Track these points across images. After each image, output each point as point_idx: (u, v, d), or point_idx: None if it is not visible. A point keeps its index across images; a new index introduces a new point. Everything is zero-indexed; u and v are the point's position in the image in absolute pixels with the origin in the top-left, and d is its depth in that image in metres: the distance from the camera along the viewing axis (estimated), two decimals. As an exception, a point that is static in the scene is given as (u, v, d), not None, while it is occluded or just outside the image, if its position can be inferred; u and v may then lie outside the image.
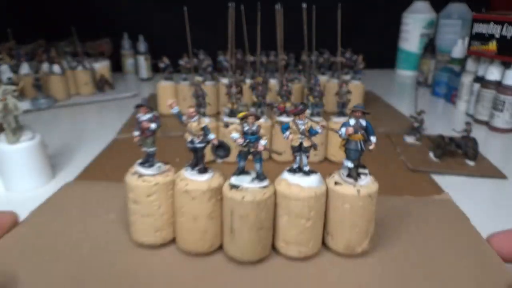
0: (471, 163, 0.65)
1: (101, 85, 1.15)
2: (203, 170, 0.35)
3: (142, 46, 1.35)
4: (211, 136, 0.36)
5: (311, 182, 0.34)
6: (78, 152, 0.72)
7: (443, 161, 0.66)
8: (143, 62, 1.36)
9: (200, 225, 0.35)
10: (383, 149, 0.72)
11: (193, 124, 0.35)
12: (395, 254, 0.36)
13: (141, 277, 0.33)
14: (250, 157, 0.36)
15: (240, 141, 0.34)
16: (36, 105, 0.99)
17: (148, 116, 0.35)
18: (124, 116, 0.92)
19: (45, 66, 1.06)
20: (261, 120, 0.40)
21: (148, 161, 0.36)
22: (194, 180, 0.34)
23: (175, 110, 0.35)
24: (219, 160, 0.37)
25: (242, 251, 0.34)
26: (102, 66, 1.17)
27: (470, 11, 1.20)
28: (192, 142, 0.36)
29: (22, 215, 0.43)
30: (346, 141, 0.35)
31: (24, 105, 0.93)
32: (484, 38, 0.91)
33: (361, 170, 0.35)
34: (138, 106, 0.36)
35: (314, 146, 0.35)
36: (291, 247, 0.35)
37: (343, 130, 0.34)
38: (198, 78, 0.88)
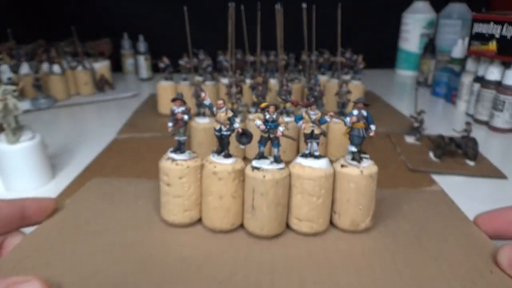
0: (471, 163, 0.65)
1: (101, 85, 1.15)
2: (228, 156, 0.40)
3: (142, 46, 1.35)
4: (236, 125, 0.40)
5: (321, 164, 0.39)
6: (78, 152, 0.72)
7: (443, 161, 0.66)
8: (143, 62, 1.36)
9: (225, 204, 0.39)
10: (383, 149, 0.73)
11: (222, 115, 0.39)
12: (393, 230, 0.41)
13: (171, 249, 0.38)
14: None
15: (263, 127, 0.39)
16: (36, 105, 0.99)
17: (182, 108, 0.40)
18: (124, 116, 0.92)
19: (45, 66, 1.05)
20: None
21: (179, 148, 0.41)
22: (221, 163, 0.39)
23: (207, 102, 0.40)
24: (241, 146, 0.42)
25: (262, 226, 0.39)
26: (102, 66, 1.17)
27: (470, 11, 1.20)
28: (220, 130, 0.40)
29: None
30: (350, 129, 0.40)
31: (24, 105, 0.93)
32: (484, 38, 0.91)
33: (362, 155, 0.40)
34: (174, 100, 0.40)
35: (323, 133, 0.40)
36: (304, 223, 0.40)
37: (348, 119, 0.39)
38: (198, 78, 0.88)
